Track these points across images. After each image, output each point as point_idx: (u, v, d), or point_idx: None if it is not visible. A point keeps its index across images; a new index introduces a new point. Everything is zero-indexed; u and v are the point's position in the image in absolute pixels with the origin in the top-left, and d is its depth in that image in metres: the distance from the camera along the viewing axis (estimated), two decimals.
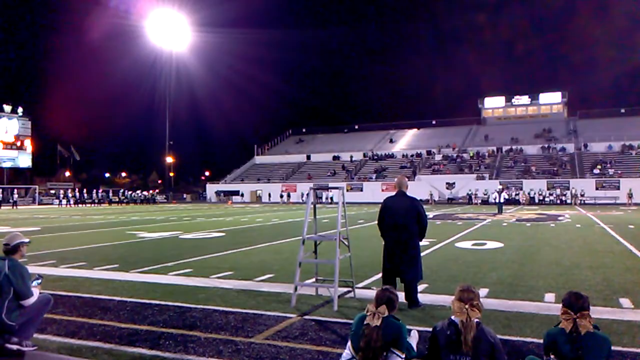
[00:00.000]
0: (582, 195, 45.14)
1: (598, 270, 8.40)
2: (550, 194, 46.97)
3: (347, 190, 51.25)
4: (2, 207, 44.13)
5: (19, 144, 61.47)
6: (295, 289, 6.10)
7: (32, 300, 4.44)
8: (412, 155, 63.24)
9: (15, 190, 51.82)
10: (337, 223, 6.33)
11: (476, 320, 3.29)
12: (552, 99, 71.23)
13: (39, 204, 53.70)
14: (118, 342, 4.65)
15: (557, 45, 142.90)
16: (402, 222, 6.09)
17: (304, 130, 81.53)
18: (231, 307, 5.96)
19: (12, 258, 4.52)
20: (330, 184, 48.62)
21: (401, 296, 5.64)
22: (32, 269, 8.57)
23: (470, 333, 3.22)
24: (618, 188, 45.76)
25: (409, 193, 6.38)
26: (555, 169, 52.22)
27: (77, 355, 4.31)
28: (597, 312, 5.35)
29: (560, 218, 23.27)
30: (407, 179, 6.61)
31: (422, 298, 6.18)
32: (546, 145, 58.64)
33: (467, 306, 3.28)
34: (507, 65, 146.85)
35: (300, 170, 65.92)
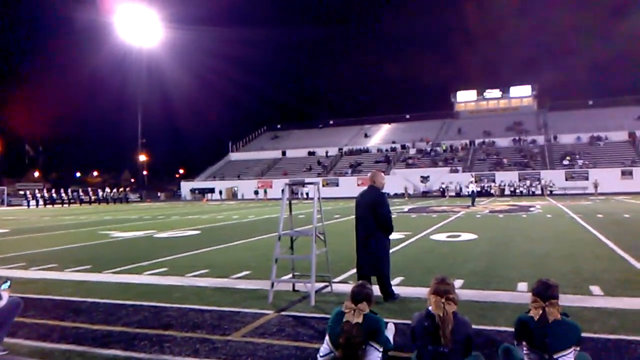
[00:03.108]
0: (552, 186, 46.18)
1: (569, 259, 8.60)
2: (522, 186, 47.91)
3: (323, 186, 51.34)
4: None
5: None
6: (272, 285, 6.08)
7: (0, 304, 4.31)
8: (386, 150, 63.68)
9: None
10: (313, 218, 6.32)
11: (452, 312, 3.32)
12: (522, 92, 72.56)
13: (7, 206, 52.26)
14: (91, 344, 4.56)
15: (528, 39, 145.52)
16: (362, 216, 6.11)
17: (279, 126, 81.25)
18: (207, 306, 5.91)
19: None
20: (306, 180, 48.63)
21: (376, 289, 5.69)
22: (0, 271, 8.35)
23: (449, 327, 3.25)
24: (587, 179, 46.92)
25: (385, 188, 6.36)
26: (526, 160, 53.28)
27: (49, 359, 4.21)
28: (568, 300, 5.48)
29: (531, 209, 23.74)
30: (382, 174, 6.47)
31: (398, 291, 6.23)
32: (517, 138, 59.76)
33: (443, 300, 3.31)
34: (479, 59, 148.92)
35: (276, 166, 65.72)
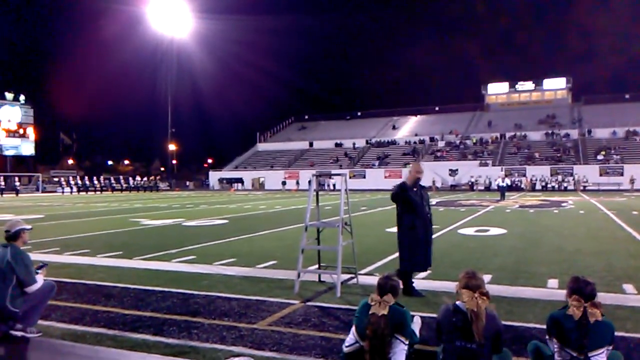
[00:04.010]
0: (586, 182, 45.03)
1: (601, 256, 8.38)
2: (554, 181, 46.87)
3: (350, 177, 51.23)
4: (4, 195, 44.29)
5: (21, 131, 61.53)
6: (298, 275, 6.11)
7: (35, 287, 4.45)
8: (414, 142, 63.07)
9: (17, 178, 51.96)
10: (340, 210, 6.31)
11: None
12: (556, 85, 70.75)
13: (42, 192, 53.83)
14: (122, 329, 4.68)
15: (562, 31, 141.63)
16: (426, 211, 6.17)
17: (306, 117, 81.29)
18: (234, 294, 5.98)
19: (14, 245, 4.52)
20: (333, 171, 48.61)
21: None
22: (35, 256, 8.62)
23: (482, 322, 3.18)
24: (622, 174, 45.57)
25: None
26: (559, 155, 52.05)
27: (81, 342, 4.33)
28: (600, 298, 5.29)
29: (563, 204, 23.23)
30: (411, 166, 6.52)
31: (425, 284, 6.19)
32: (550, 132, 58.36)
33: (476, 295, 3.23)
34: (511, 51, 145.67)
35: (303, 157, 65.84)
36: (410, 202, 5.97)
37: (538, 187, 46.56)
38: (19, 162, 68.85)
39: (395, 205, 6.24)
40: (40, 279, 4.56)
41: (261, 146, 73.29)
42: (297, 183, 55.30)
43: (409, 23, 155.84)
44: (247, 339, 4.34)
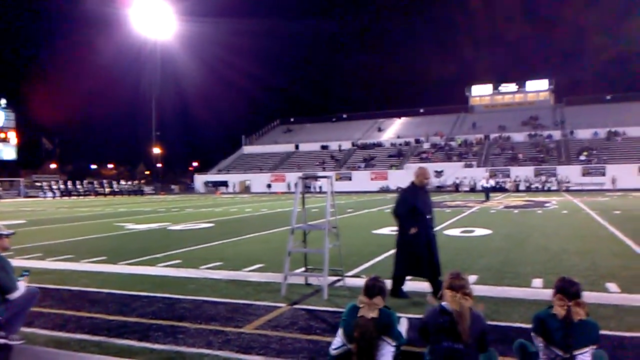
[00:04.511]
0: (568, 182, 45.63)
1: (585, 256, 8.49)
2: (537, 181, 47.43)
3: (336, 180, 51.29)
4: None
5: (3, 136, 60.69)
6: (285, 278, 6.09)
7: (17, 294, 4.37)
8: (400, 144, 63.36)
9: (0, 183, 51.12)
10: (326, 212, 6.31)
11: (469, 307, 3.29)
12: (538, 87, 71.65)
13: (24, 197, 53.04)
14: (107, 335, 4.61)
15: (544, 33, 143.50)
16: (429, 215, 6.10)
17: (292, 120, 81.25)
18: (221, 298, 5.94)
19: None
20: (319, 173, 48.62)
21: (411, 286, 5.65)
22: (18, 262, 8.49)
23: (466, 322, 3.21)
24: (604, 174, 46.31)
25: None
26: (542, 156, 52.70)
27: (65, 348, 4.27)
28: (585, 297, 5.39)
29: (547, 205, 23.49)
30: (418, 170, 6.19)
31: (411, 286, 6.20)
32: (533, 133, 59.09)
33: (459, 295, 3.26)
34: (494, 53, 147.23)
35: (289, 160, 65.78)
36: (415, 207, 5.88)
37: (522, 187, 47.07)
38: (1, 167, 67.77)
39: (395, 206, 6.10)
40: (22, 286, 4.48)
41: (247, 149, 73.08)
42: (288, 186, 55.12)
43: (393, 26, 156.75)
44: (234, 343, 4.31)
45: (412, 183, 6.09)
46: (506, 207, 22.60)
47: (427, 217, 5.95)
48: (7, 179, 61.45)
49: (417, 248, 5.82)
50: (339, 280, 6.61)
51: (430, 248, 5.87)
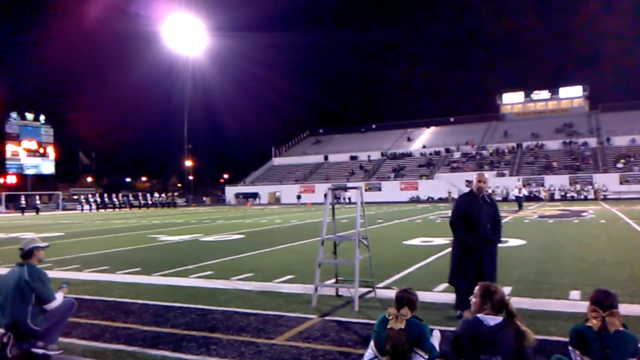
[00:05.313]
0: (605, 191, 44.30)
1: (624, 266, 8.22)
2: (573, 190, 46.21)
3: (366, 190, 51.13)
4: (25, 214, 45.01)
5: (42, 151, 62.78)
6: (316, 289, 6.09)
7: (54, 304, 4.49)
8: (430, 154, 62.80)
9: (38, 196, 52.84)
10: (356, 223, 6.30)
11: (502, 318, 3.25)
12: (572, 93, 70.08)
13: (62, 210, 54.65)
14: (141, 345, 4.70)
15: (577, 39, 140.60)
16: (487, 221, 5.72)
17: (321, 131, 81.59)
18: (252, 309, 5.97)
19: (30, 263, 4.56)
20: (349, 184, 48.57)
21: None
22: (56, 273, 8.74)
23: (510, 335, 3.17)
24: None
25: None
26: (577, 164, 51.39)
27: (101, 358, 4.36)
28: (624, 309, 5.20)
29: (583, 214, 22.86)
30: (475, 175, 5.92)
31: (443, 297, 6.11)
32: (567, 140, 57.72)
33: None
34: (525, 60, 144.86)
35: (318, 171, 65.96)
36: (466, 216, 5.55)
37: (557, 196, 45.95)
38: (40, 181, 70.16)
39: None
40: (60, 296, 4.60)
41: (276, 160, 73.63)
42: (325, 196, 55.08)
43: (422, 34, 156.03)
44: (266, 355, 4.32)
45: (470, 190, 5.80)
46: (540, 216, 22.08)
47: (486, 228, 5.47)
48: (46, 193, 63.57)
49: (464, 260, 5.49)
50: (369, 292, 6.56)
51: (481, 261, 5.40)
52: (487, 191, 5.84)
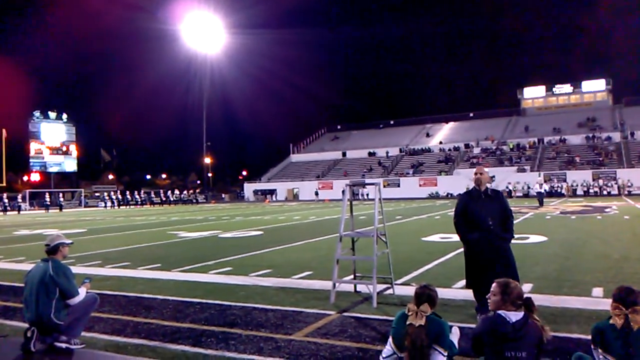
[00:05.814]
0: (630, 186, 43.42)
1: None
2: (596, 186, 45.38)
3: (384, 186, 50.93)
4: (49, 211, 45.92)
5: (64, 149, 63.90)
6: (334, 286, 6.09)
7: (77, 299, 4.58)
8: (449, 149, 62.26)
9: (61, 194, 53.85)
10: (374, 219, 6.28)
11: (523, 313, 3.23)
12: (595, 87, 68.74)
13: (84, 207, 55.60)
14: (162, 340, 4.76)
15: (599, 32, 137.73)
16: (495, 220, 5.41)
17: (338, 127, 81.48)
18: (270, 305, 6.00)
19: (55, 259, 4.66)
20: (367, 180, 48.43)
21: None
22: (80, 269, 8.90)
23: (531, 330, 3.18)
24: None
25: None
26: (600, 159, 50.43)
27: (123, 353, 4.43)
28: None
29: (607, 210, 22.44)
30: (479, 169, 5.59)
31: (462, 294, 6.07)
32: (590, 135, 56.65)
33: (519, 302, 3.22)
34: (547, 53, 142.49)
35: (336, 167, 65.89)
36: (466, 213, 5.33)
37: (579, 192, 45.19)
38: (63, 179, 71.38)
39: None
40: (83, 292, 4.69)
41: (295, 157, 73.77)
42: (344, 192, 55.05)
43: (440, 29, 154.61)
44: (284, 350, 4.34)
45: (473, 187, 5.56)
46: (562, 212, 21.74)
47: (488, 224, 5.19)
48: (69, 190, 64.71)
49: (473, 261, 5.31)
50: (388, 288, 6.54)
51: (491, 260, 5.13)
52: (490, 185, 5.61)
